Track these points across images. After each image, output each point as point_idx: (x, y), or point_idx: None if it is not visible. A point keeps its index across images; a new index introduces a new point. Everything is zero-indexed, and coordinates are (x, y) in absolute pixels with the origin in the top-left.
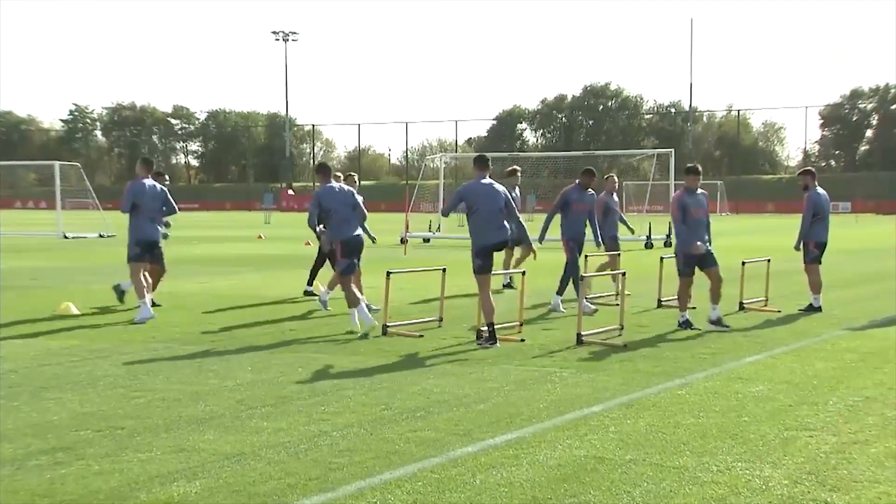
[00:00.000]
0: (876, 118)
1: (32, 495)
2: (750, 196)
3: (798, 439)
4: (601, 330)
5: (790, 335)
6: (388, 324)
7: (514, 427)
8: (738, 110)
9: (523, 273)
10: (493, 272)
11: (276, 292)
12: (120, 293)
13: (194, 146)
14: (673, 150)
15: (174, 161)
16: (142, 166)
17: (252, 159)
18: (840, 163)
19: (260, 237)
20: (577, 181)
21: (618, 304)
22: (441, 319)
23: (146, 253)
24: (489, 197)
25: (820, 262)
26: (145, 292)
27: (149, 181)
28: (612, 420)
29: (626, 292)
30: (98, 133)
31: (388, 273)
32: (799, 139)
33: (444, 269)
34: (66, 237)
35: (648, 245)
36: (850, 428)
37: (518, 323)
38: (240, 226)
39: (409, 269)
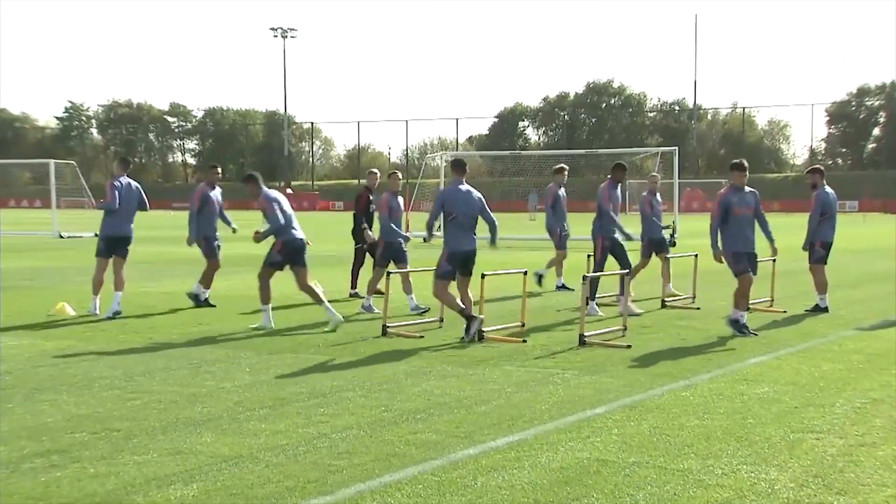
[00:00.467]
0: (883, 116)
1: (27, 498)
2: None
3: (804, 442)
4: (604, 331)
5: (796, 336)
6: (387, 324)
7: (515, 429)
8: (744, 108)
9: (524, 273)
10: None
11: (274, 293)
12: (194, 297)
13: (191, 144)
14: (677, 148)
15: (171, 159)
16: (119, 166)
17: (250, 158)
18: (847, 161)
19: None
20: (609, 177)
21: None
22: (441, 320)
23: (113, 249)
24: (467, 204)
25: (826, 262)
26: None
27: (125, 179)
28: (616, 422)
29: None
30: (94, 131)
31: (388, 273)
32: (805, 137)
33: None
34: (61, 236)
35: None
36: (857, 430)
37: (520, 324)
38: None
39: (409, 269)
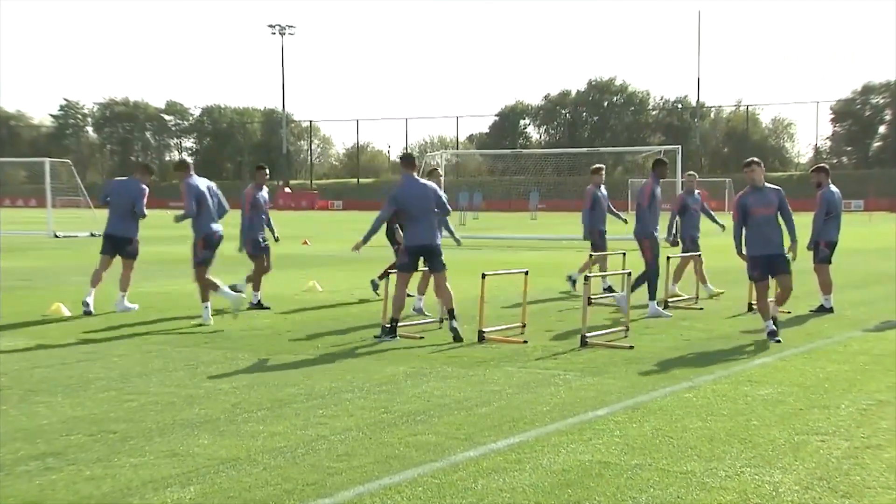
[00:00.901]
0: (889, 113)
1: (21, 502)
2: None
3: (809, 444)
4: (606, 332)
5: (801, 336)
6: (387, 325)
7: (516, 431)
8: (747, 106)
9: (526, 273)
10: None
11: (272, 293)
12: (256, 303)
13: (188, 143)
14: (680, 146)
15: (168, 158)
16: (141, 170)
17: (248, 156)
18: (852, 159)
19: None
20: (653, 173)
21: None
22: (441, 321)
23: (113, 249)
24: (420, 199)
25: (830, 262)
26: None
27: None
28: (618, 424)
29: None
30: (89, 129)
31: (388, 273)
32: (810, 135)
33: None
34: (56, 236)
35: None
36: (863, 432)
37: (521, 324)
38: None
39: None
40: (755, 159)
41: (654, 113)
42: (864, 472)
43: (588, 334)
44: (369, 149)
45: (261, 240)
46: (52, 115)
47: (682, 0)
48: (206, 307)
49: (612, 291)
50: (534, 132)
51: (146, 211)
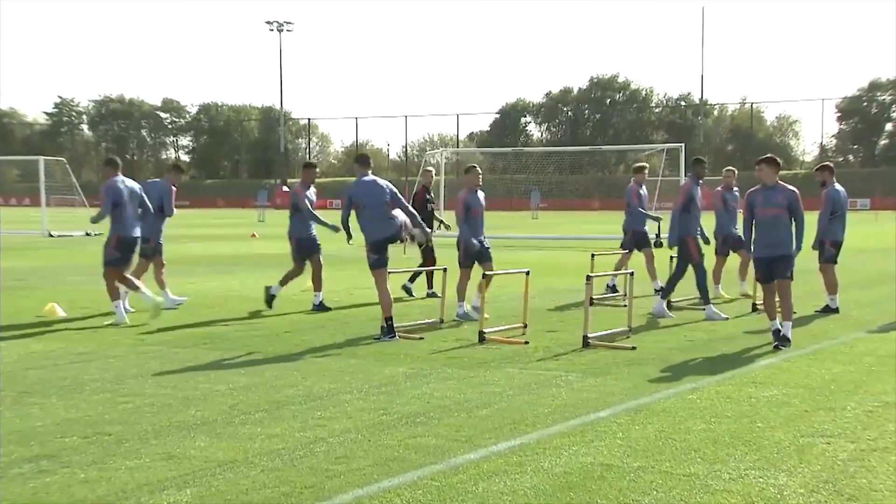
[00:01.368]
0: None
1: None
2: None
3: (814, 446)
4: (608, 332)
5: (806, 337)
6: (384, 325)
7: (517, 433)
8: (752, 103)
9: (527, 273)
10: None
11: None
12: (319, 305)
13: (185, 141)
14: (683, 144)
15: (164, 156)
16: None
17: (245, 155)
18: (858, 157)
19: (253, 236)
20: (692, 173)
21: (626, 306)
22: (442, 321)
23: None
24: (373, 195)
25: (836, 262)
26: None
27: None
28: (620, 426)
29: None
30: (84, 127)
31: (387, 273)
32: (815, 133)
33: (444, 269)
34: (51, 235)
35: (657, 244)
36: (870, 434)
37: (522, 325)
38: (232, 224)
39: (408, 268)
40: (767, 157)
41: (657, 110)
42: (870, 475)
43: (590, 335)
44: (368, 147)
45: (313, 240)
46: (46, 113)
47: None
48: (117, 306)
49: (616, 291)
50: (535, 130)
51: (174, 210)
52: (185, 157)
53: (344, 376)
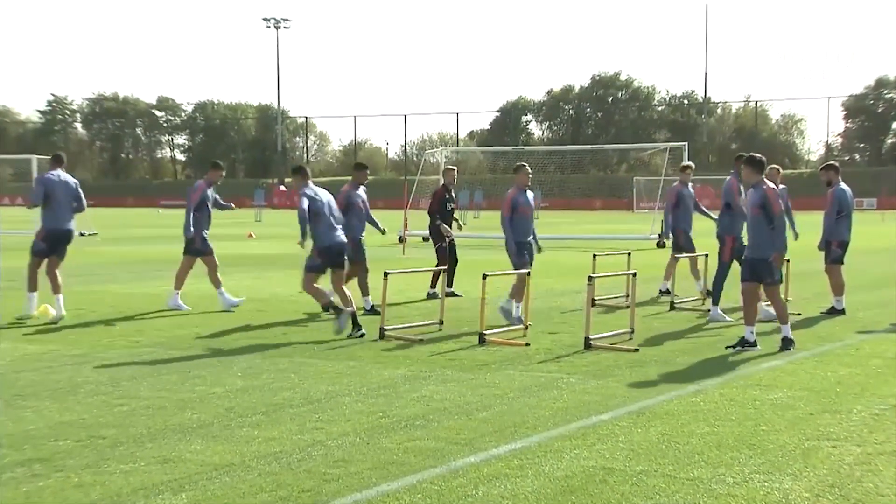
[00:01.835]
0: None
1: None
2: None
3: (820, 450)
4: (610, 334)
5: (811, 339)
6: (385, 327)
7: (518, 436)
8: (756, 101)
9: (528, 273)
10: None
11: (268, 294)
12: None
13: (180, 139)
14: (686, 143)
15: (159, 155)
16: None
17: (242, 153)
18: (864, 156)
19: (250, 236)
20: (732, 171)
21: (628, 306)
22: (441, 322)
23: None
24: (327, 203)
25: (843, 263)
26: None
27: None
28: (622, 429)
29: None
30: (78, 125)
31: (386, 273)
32: (821, 132)
33: (444, 270)
34: None
35: (660, 244)
36: (876, 438)
37: (523, 326)
38: (229, 224)
39: (408, 269)
40: (746, 155)
41: (659, 109)
42: (876, 479)
43: (592, 336)
44: (367, 146)
45: (360, 242)
46: (39, 111)
47: None
48: (31, 297)
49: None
50: (536, 129)
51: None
52: (180, 157)
53: (342, 378)
